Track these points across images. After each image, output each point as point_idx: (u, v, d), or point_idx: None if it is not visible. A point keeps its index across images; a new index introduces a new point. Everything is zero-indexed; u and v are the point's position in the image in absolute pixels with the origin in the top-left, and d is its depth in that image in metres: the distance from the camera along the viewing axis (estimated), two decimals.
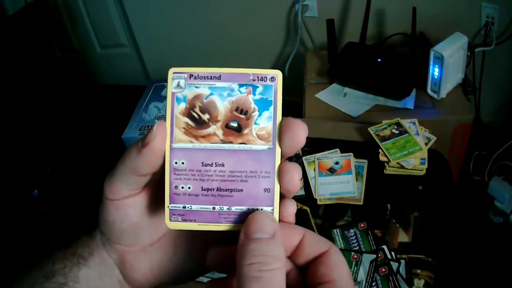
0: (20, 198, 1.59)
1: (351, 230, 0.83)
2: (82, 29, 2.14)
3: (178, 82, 0.29)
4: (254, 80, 0.28)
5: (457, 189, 1.39)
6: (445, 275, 0.75)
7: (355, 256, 0.78)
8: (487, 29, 1.42)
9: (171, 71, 0.29)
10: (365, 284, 0.73)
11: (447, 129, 1.20)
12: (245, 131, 0.28)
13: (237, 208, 0.28)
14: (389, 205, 0.86)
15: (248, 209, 0.28)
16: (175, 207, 0.28)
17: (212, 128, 0.28)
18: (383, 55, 1.32)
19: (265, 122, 0.28)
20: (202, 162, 0.28)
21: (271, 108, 0.28)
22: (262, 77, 0.28)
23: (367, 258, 0.77)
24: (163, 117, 0.31)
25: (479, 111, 1.53)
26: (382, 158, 0.92)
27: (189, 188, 0.28)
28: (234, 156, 0.28)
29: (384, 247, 0.79)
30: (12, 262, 1.32)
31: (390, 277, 0.74)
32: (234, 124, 0.28)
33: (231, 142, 0.28)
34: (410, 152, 0.91)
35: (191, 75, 0.29)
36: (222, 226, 0.28)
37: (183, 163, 0.28)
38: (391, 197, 0.87)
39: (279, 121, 0.28)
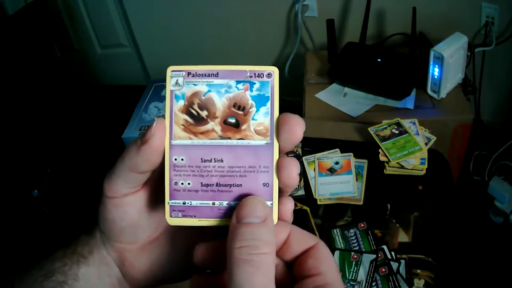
0: (20, 198, 1.59)
1: (351, 230, 0.83)
2: (82, 29, 2.14)
3: (177, 80, 0.29)
4: (251, 76, 0.29)
5: (457, 189, 1.38)
6: (445, 275, 0.75)
7: (355, 256, 0.78)
8: (487, 29, 1.42)
9: (170, 69, 0.29)
10: (365, 284, 0.73)
11: (447, 129, 1.20)
12: (243, 127, 0.29)
13: (236, 203, 0.28)
14: (389, 205, 0.86)
15: None
16: (175, 203, 0.29)
17: (210, 125, 0.29)
18: (383, 55, 1.32)
19: (262, 118, 0.29)
20: (201, 158, 0.28)
21: (268, 103, 0.29)
22: (259, 74, 0.29)
23: (367, 258, 0.77)
24: (163, 117, 0.32)
25: (479, 111, 1.53)
26: (382, 158, 0.92)
27: (188, 184, 0.29)
28: (232, 152, 0.28)
29: (384, 247, 0.79)
30: (12, 261, 1.32)
31: (390, 277, 0.74)
32: (232, 120, 0.29)
33: (230, 138, 0.28)
34: (410, 152, 0.91)
35: (189, 73, 0.29)
36: (222, 221, 0.29)
37: (182, 159, 0.28)
38: (391, 197, 0.87)
39: (276, 116, 0.28)
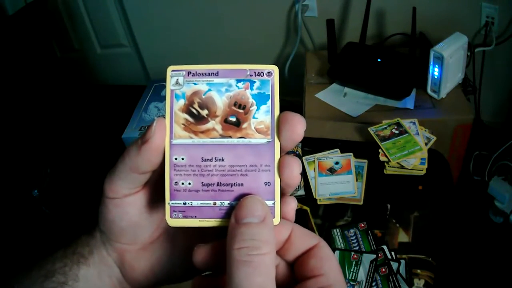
0: (20, 198, 1.59)
1: (351, 230, 0.83)
2: (82, 29, 2.14)
3: (177, 80, 0.29)
4: (251, 75, 0.29)
5: (457, 189, 1.38)
6: (445, 275, 0.75)
7: (355, 256, 0.78)
8: (487, 29, 1.42)
9: (170, 69, 0.29)
10: (365, 284, 0.73)
11: (447, 129, 1.20)
12: (244, 125, 0.28)
13: (237, 203, 0.28)
14: (389, 205, 0.86)
15: None
16: (175, 203, 0.28)
17: (211, 124, 0.29)
18: (383, 55, 1.32)
19: (263, 116, 0.28)
20: (202, 158, 0.28)
21: (269, 102, 0.29)
22: (259, 72, 0.29)
23: (367, 258, 0.77)
24: (163, 117, 0.32)
25: (479, 111, 1.53)
26: (382, 158, 0.92)
27: (189, 184, 0.28)
28: (233, 151, 0.28)
29: (384, 247, 0.79)
30: (13, 262, 1.32)
31: (390, 277, 0.74)
32: (233, 119, 0.29)
33: (230, 137, 0.28)
34: (410, 152, 0.91)
35: (189, 72, 0.29)
36: (223, 222, 0.28)
37: (183, 159, 0.28)
38: (391, 197, 0.87)
39: (277, 114, 0.28)
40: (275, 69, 0.29)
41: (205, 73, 0.29)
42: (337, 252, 0.79)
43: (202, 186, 0.28)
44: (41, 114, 1.83)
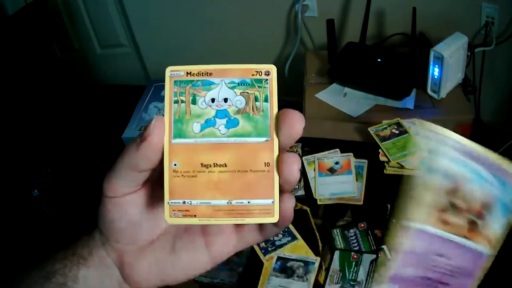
0: (20, 198, 1.59)
1: (351, 230, 0.83)
2: (82, 29, 2.14)
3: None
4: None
5: None
6: None
7: (355, 256, 0.78)
8: (487, 29, 1.42)
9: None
10: (365, 284, 0.73)
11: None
12: None
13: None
14: (389, 205, 0.86)
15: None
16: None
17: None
18: (383, 55, 1.32)
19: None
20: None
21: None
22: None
23: (367, 258, 0.77)
24: (162, 115, 0.32)
25: (479, 111, 1.53)
26: (382, 158, 0.92)
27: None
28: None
29: (384, 247, 0.79)
30: (12, 262, 1.32)
31: None
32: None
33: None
34: (410, 152, 0.91)
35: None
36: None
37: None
38: (391, 197, 0.87)
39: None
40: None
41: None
42: (337, 252, 0.79)
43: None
44: (41, 114, 1.83)
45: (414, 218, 0.25)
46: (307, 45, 1.73)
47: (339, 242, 0.81)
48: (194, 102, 0.29)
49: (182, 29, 1.92)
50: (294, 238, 0.82)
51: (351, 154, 0.94)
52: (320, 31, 1.49)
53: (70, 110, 2.04)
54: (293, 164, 0.28)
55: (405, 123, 0.97)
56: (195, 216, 0.28)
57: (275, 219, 0.28)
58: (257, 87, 0.29)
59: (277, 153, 0.28)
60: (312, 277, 0.75)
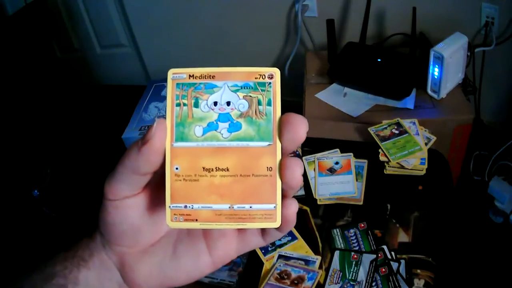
0: (20, 198, 1.59)
1: (351, 230, 0.83)
2: (82, 29, 2.14)
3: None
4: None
5: (457, 189, 1.38)
6: (445, 275, 0.75)
7: (355, 256, 0.78)
8: (487, 29, 1.42)
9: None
10: (365, 284, 0.73)
11: (447, 129, 1.20)
12: None
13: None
14: (389, 205, 0.86)
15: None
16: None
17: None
18: (383, 55, 1.32)
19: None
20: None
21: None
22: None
23: (367, 258, 0.77)
24: (163, 117, 0.31)
25: (479, 111, 1.53)
26: (382, 158, 0.92)
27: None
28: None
29: (384, 247, 0.79)
30: (13, 262, 1.32)
31: (390, 277, 0.74)
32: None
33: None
34: (410, 152, 0.91)
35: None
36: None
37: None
38: (391, 197, 0.87)
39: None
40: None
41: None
42: (337, 252, 0.79)
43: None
44: (41, 114, 1.83)
45: None
46: (307, 45, 1.73)
47: (339, 242, 0.81)
48: (196, 105, 0.28)
49: (182, 29, 1.92)
50: (294, 238, 0.83)
51: (351, 154, 0.94)
52: (320, 31, 1.49)
53: (70, 110, 2.04)
54: (295, 169, 0.27)
55: (405, 123, 0.97)
56: (196, 220, 0.28)
57: (277, 224, 0.28)
58: (260, 90, 0.28)
59: (280, 158, 0.28)
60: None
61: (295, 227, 0.84)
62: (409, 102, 1.24)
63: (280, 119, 0.28)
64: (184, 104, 0.29)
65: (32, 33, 1.79)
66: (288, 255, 0.80)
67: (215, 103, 0.28)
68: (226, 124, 0.28)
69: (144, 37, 2.04)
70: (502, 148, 1.38)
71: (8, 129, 1.63)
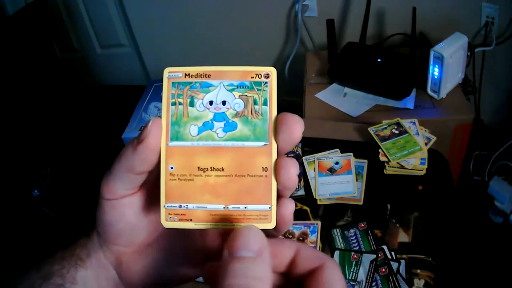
0: (20, 198, 1.60)
1: (351, 230, 0.83)
2: (82, 29, 2.14)
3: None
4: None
5: (457, 189, 1.38)
6: (445, 275, 0.75)
7: (355, 256, 0.78)
8: (487, 29, 1.42)
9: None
10: (365, 284, 0.73)
11: (447, 129, 1.20)
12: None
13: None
14: (389, 205, 0.86)
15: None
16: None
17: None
18: (383, 55, 1.32)
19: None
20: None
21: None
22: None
23: (367, 258, 0.77)
24: (159, 117, 0.31)
25: (479, 111, 1.53)
26: (382, 158, 0.92)
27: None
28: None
29: (384, 247, 0.79)
30: (12, 262, 1.32)
31: (390, 277, 0.74)
32: None
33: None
34: (410, 152, 0.91)
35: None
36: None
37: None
38: (391, 197, 0.87)
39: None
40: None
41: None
42: (337, 252, 0.79)
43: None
44: (41, 114, 1.83)
45: None
46: (307, 45, 1.73)
47: (339, 242, 0.81)
48: (192, 104, 0.28)
49: (182, 29, 1.92)
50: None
51: (351, 154, 0.94)
52: (320, 31, 1.49)
53: (70, 110, 2.04)
54: (291, 169, 0.27)
55: (405, 123, 0.97)
56: (191, 220, 0.28)
57: (272, 225, 0.27)
58: (256, 90, 0.28)
59: (275, 158, 0.28)
60: None
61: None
62: (409, 102, 1.24)
63: (276, 119, 0.28)
64: (180, 103, 0.28)
65: (32, 33, 1.79)
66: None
67: (211, 102, 0.28)
68: (222, 124, 0.28)
69: (144, 37, 2.04)
70: (502, 148, 1.37)
71: (8, 129, 1.63)
